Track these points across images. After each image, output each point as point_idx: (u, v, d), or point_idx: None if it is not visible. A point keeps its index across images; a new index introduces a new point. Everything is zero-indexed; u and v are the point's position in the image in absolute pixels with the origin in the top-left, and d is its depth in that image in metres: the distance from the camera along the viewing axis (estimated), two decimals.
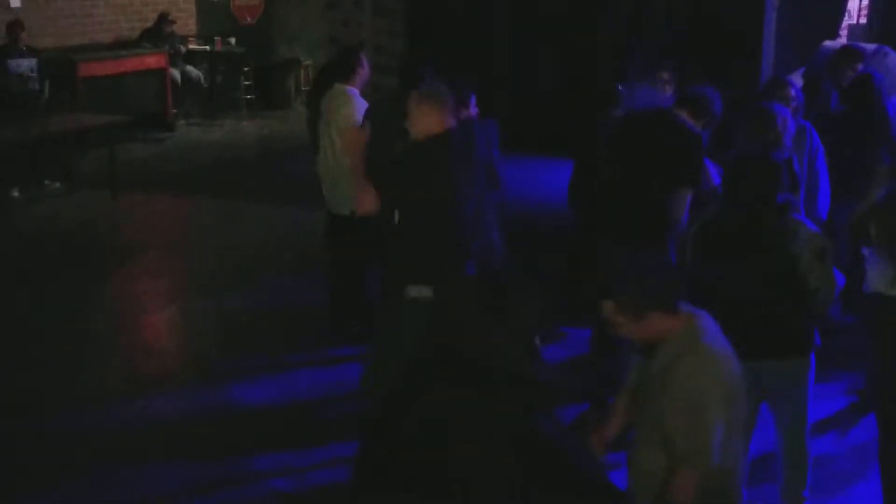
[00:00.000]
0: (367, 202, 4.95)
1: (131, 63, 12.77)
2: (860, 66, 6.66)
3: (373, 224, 6.10)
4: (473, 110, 6.02)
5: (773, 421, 4.32)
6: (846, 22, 11.04)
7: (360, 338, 6.37)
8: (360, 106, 6.32)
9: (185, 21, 14.64)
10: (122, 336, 6.84)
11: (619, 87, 6.53)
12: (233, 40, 14.65)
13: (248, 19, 14.97)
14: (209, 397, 5.87)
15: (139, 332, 7.04)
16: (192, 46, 14.37)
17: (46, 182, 10.43)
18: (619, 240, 5.09)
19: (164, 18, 13.46)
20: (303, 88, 14.49)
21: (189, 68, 13.84)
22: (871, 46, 7.56)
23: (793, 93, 5.65)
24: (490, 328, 2.44)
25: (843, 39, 10.08)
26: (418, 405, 2.45)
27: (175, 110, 13.50)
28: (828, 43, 8.37)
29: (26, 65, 10.63)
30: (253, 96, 14.72)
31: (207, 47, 14.49)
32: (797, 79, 7.46)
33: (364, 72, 6.52)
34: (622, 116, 5.60)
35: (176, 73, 13.44)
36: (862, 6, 11.52)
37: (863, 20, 11.34)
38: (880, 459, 4.44)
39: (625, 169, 5.12)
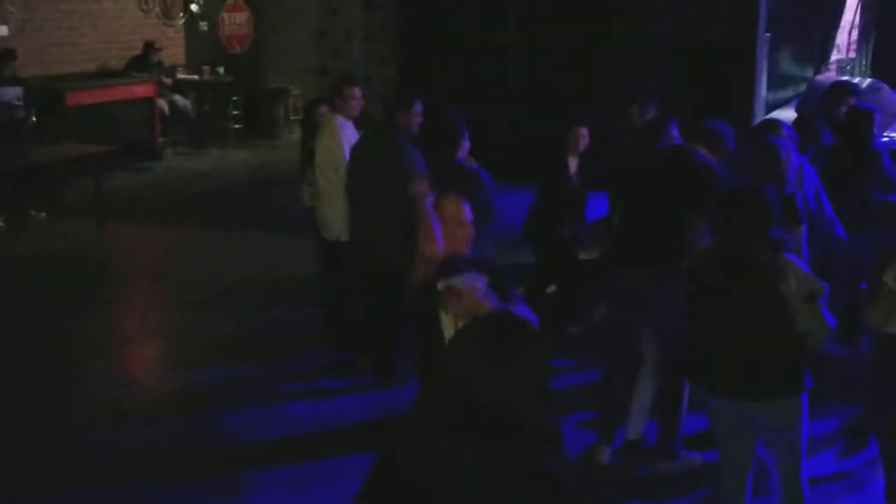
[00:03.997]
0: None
1: (119, 92, 12.73)
2: (852, 101, 6.67)
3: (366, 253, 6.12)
4: (467, 144, 5.99)
5: (769, 461, 4.26)
6: (835, 56, 11.11)
7: (359, 371, 6.33)
8: (346, 136, 6.36)
9: (174, 50, 14.62)
10: (109, 366, 6.72)
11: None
12: (221, 69, 14.62)
13: (237, 48, 14.96)
14: (197, 428, 5.77)
15: (127, 362, 6.93)
16: (180, 75, 14.34)
17: (32, 212, 10.32)
18: (638, 269, 5.10)
19: (150, 47, 13.43)
20: (291, 118, 14.46)
21: (177, 97, 13.80)
22: (863, 81, 7.59)
23: (786, 132, 5.65)
24: (501, 370, 2.38)
25: (832, 73, 10.14)
26: (423, 448, 2.38)
27: (163, 139, 13.44)
28: (819, 77, 8.42)
29: (12, 93, 10.56)
30: (241, 125, 14.66)
31: (196, 76, 14.47)
32: (789, 111, 7.49)
33: (355, 102, 6.51)
34: (639, 151, 5.60)
35: (164, 103, 13.39)
36: (851, 41, 11.61)
37: (852, 54, 11.42)
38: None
39: (645, 202, 5.12)
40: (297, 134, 12.09)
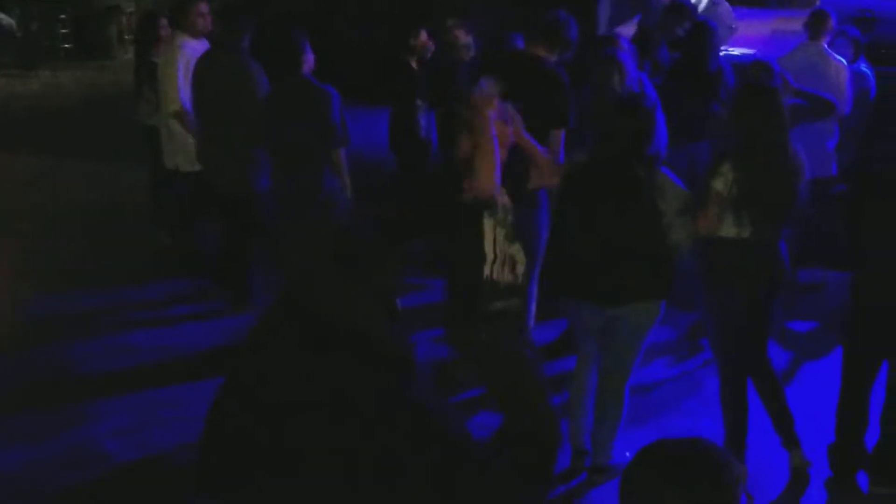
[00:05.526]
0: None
1: None
2: (688, 23, 6.78)
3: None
4: (310, 57, 5.82)
5: (598, 365, 4.36)
6: None
7: (207, 297, 6.22)
8: (188, 60, 6.07)
9: None
10: None
11: None
12: None
13: None
14: (40, 359, 5.55)
15: None
16: None
17: None
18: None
19: None
20: (126, 37, 13.85)
21: None
22: None
23: (624, 44, 5.71)
24: (346, 285, 2.34)
25: None
26: (268, 369, 2.33)
27: None
28: None
29: None
30: (71, 45, 13.96)
31: None
32: (631, 28, 7.59)
33: (201, 19, 6.21)
34: (477, 62, 5.56)
35: None
36: None
37: None
38: (721, 400, 4.56)
39: None
40: (132, 54, 11.58)
